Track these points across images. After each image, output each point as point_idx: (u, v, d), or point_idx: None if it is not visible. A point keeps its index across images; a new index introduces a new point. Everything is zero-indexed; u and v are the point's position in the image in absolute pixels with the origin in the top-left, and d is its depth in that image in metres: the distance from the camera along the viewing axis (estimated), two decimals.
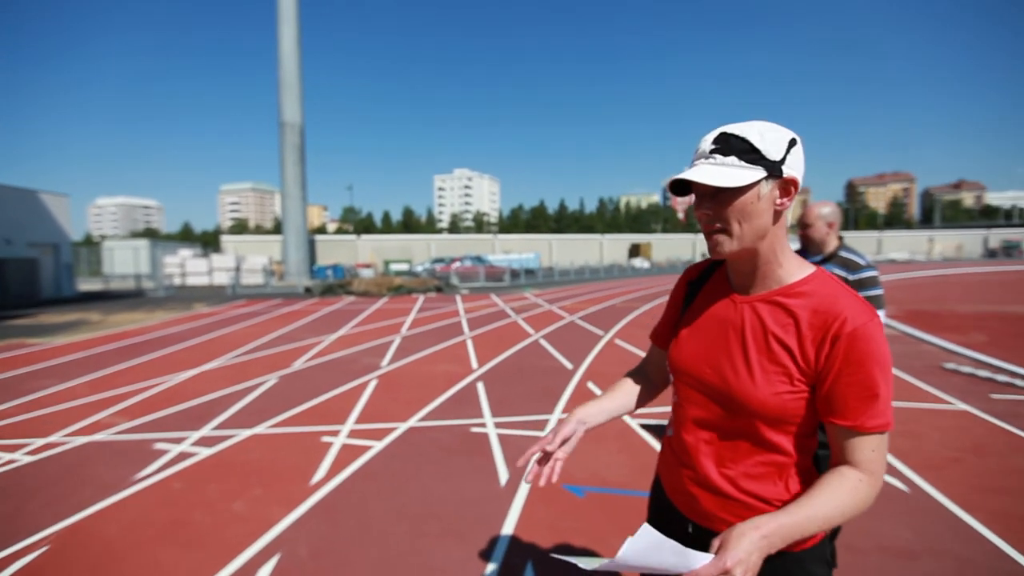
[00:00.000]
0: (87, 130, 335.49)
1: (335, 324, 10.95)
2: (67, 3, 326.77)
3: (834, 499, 0.87)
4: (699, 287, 1.11)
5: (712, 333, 1.01)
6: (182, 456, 3.73)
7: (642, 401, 1.23)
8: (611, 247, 58.35)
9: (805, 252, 2.59)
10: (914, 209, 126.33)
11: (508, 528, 2.69)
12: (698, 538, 1.08)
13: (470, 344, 8.29)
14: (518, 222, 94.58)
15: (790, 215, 0.96)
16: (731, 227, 0.92)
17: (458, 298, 17.15)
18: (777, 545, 0.83)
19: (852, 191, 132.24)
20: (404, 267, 35.56)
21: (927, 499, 2.96)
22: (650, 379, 1.25)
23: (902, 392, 5.11)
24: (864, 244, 61.34)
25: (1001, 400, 4.83)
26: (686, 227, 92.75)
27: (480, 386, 5.61)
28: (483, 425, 4.33)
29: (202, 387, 5.68)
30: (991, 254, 59.02)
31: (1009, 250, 57.37)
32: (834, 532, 1.17)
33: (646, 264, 46.49)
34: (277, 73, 24.68)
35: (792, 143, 0.90)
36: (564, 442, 1.09)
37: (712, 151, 0.91)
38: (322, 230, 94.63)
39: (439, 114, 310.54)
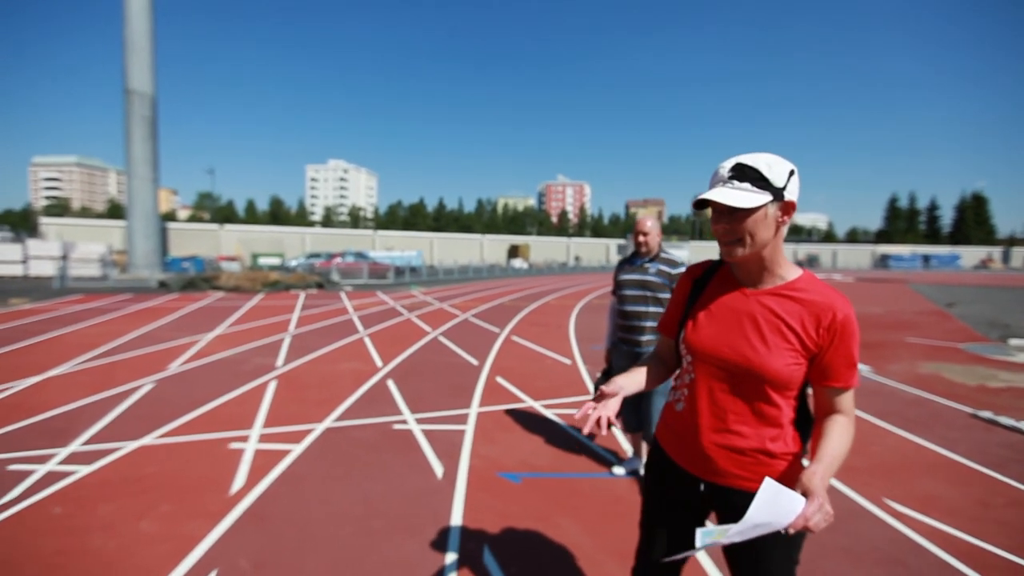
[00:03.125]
0: None
1: (209, 323, 9.85)
2: None
3: (843, 440, 1.18)
4: (704, 284, 1.37)
5: (727, 319, 1.27)
6: (53, 476, 3.17)
7: (661, 379, 1.44)
8: (491, 247, 59.58)
9: (636, 255, 3.19)
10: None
11: (456, 518, 2.76)
12: (710, 495, 1.32)
13: (368, 341, 8.03)
14: (396, 219, 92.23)
15: (786, 230, 1.24)
16: (744, 239, 1.19)
17: (343, 295, 16.36)
18: (827, 484, 1.10)
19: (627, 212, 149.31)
20: (276, 261, 32.85)
21: None
22: (664, 362, 1.47)
23: None
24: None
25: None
26: (559, 231, 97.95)
27: (391, 383, 5.50)
28: (404, 422, 4.29)
29: (53, 397, 4.81)
30: (799, 264, 71.20)
31: (812, 261, 69.52)
32: None
33: (525, 265, 48.20)
34: (122, 32, 21.24)
35: (791, 173, 1.18)
36: (608, 399, 1.25)
37: (730, 177, 1.18)
38: (172, 217, 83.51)
39: (314, 100, 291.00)
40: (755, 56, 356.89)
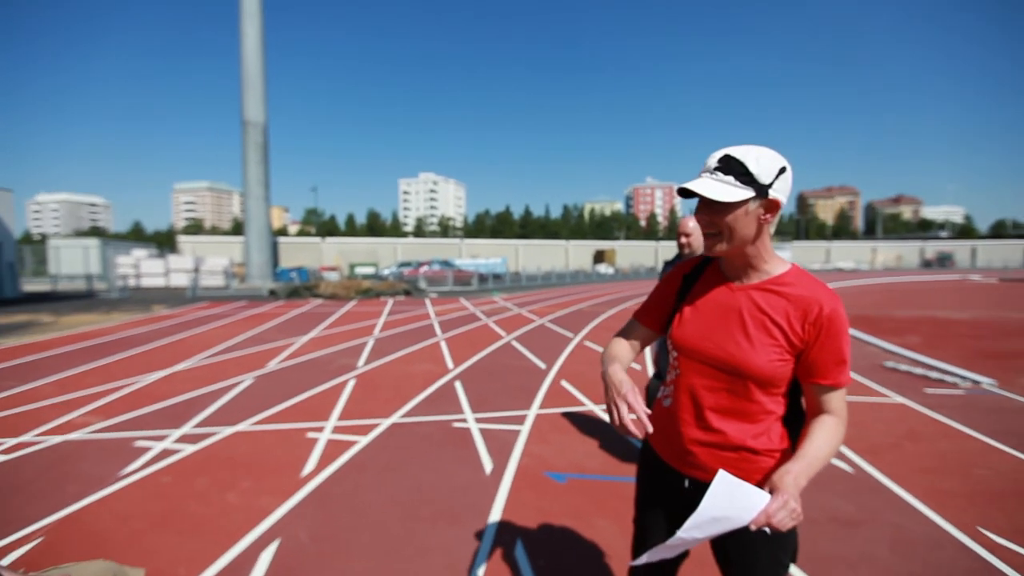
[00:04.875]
0: (24, 123, 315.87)
1: (305, 326, 10.85)
2: None
3: (827, 441, 1.14)
4: (694, 280, 1.35)
5: (714, 315, 1.25)
6: (166, 452, 3.74)
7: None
8: (576, 253, 59.20)
9: (680, 256, 3.09)
10: (859, 221, 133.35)
11: (496, 512, 2.87)
12: (694, 491, 1.30)
13: (444, 345, 8.41)
14: (483, 227, 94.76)
15: (774, 227, 1.21)
16: (723, 233, 1.16)
17: (427, 301, 17.17)
18: (803, 483, 1.07)
19: (803, 203, 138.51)
20: (370, 270, 35.14)
21: (868, 478, 3.31)
22: (633, 348, 1.45)
23: (849, 388, 5.56)
24: (814, 253, 64.43)
25: (933, 394, 5.33)
26: (648, 234, 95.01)
27: (458, 384, 5.76)
28: (464, 420, 4.49)
29: (176, 387, 5.62)
30: (927, 264, 63.10)
31: (943, 261, 61.39)
32: None
33: (611, 270, 47.39)
34: (239, 70, 24.11)
35: (782, 170, 1.13)
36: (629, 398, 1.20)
37: (716, 168, 1.15)
38: (283, 232, 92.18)
39: (404, 117, 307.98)
40: (860, 44, 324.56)
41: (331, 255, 45.72)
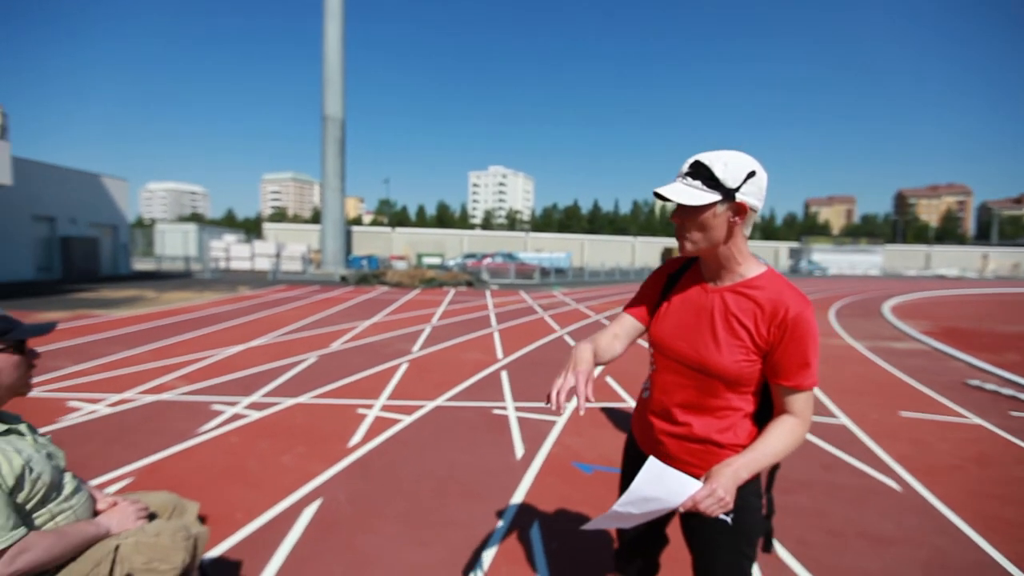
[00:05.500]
0: (138, 118, 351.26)
1: (369, 311, 11.48)
2: None
3: (780, 439, 1.19)
4: (677, 279, 1.40)
5: (688, 315, 1.30)
6: (236, 416, 4.20)
7: (612, 356, 1.43)
8: (644, 250, 57.77)
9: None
10: (970, 224, 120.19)
11: (520, 494, 3.02)
12: None
13: (497, 336, 8.64)
14: (551, 221, 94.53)
15: (749, 229, 1.24)
16: (692, 235, 1.22)
17: (488, 293, 17.53)
18: (744, 476, 1.14)
19: (902, 203, 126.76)
20: (437, 261, 36.20)
21: (917, 498, 3.13)
22: (617, 336, 1.45)
23: (917, 403, 5.19)
24: (910, 258, 58.96)
25: (1019, 417, 4.86)
26: None
27: (504, 374, 5.94)
28: (504, 408, 4.67)
29: (250, 361, 6.21)
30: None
31: None
32: (770, 480, 1.46)
33: None
34: (321, 68, 25.58)
35: (751, 174, 1.16)
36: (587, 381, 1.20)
37: (686, 173, 1.20)
38: (358, 221, 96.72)
39: (476, 111, 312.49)
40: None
41: (400, 245, 47.57)
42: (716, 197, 1.16)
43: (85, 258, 20.68)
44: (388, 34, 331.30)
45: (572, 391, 1.13)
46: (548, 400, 1.11)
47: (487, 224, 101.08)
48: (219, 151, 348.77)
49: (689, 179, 1.19)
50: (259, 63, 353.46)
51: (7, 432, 1.36)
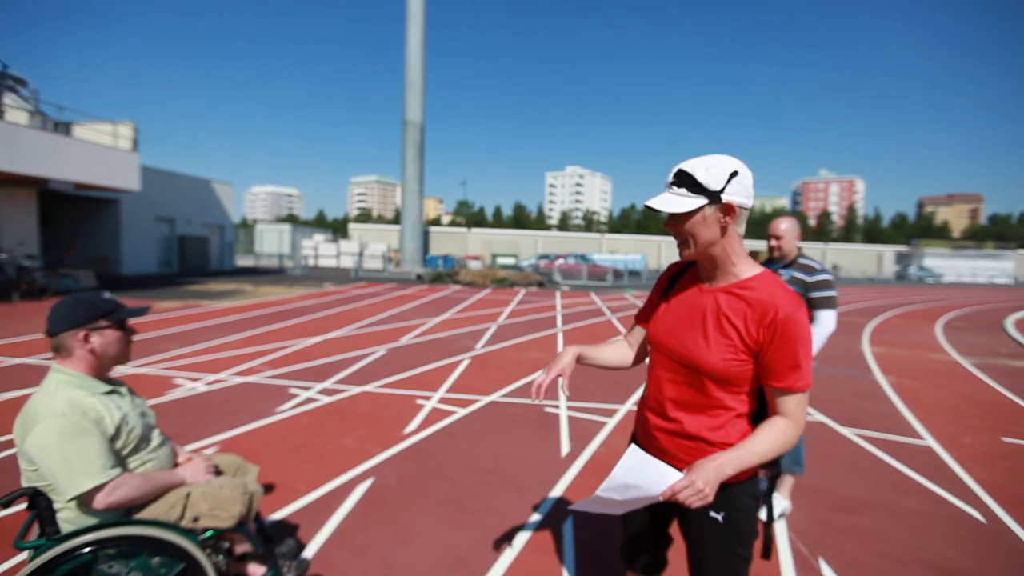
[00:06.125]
0: (244, 127, 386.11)
1: (440, 309, 11.95)
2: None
3: (768, 439, 1.21)
4: (676, 280, 1.44)
5: (683, 314, 1.35)
6: (309, 400, 4.62)
7: (621, 363, 1.57)
8: None
9: (770, 260, 2.86)
10: None
11: (560, 489, 3.09)
12: None
13: (560, 337, 8.70)
14: (629, 222, 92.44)
15: (743, 227, 1.26)
16: (687, 240, 1.26)
17: (558, 294, 17.58)
18: (728, 471, 1.17)
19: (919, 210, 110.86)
20: (510, 261, 36.69)
21: (1005, 533, 2.83)
22: (630, 345, 1.59)
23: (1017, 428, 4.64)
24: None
25: None
26: (818, 234, 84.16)
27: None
28: (557, 407, 4.74)
29: (326, 350, 6.74)
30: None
31: None
32: (771, 487, 1.46)
33: None
34: (403, 74, 26.85)
35: (733, 174, 1.19)
36: (560, 373, 1.41)
37: (671, 183, 1.25)
38: (437, 222, 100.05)
39: (553, 111, 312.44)
40: None
41: (475, 245, 48.69)
42: (702, 201, 1.20)
43: (197, 254, 23.18)
44: (466, 37, 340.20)
45: (552, 385, 1.36)
46: (529, 390, 1.28)
47: (563, 225, 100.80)
48: (313, 156, 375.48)
49: (675, 188, 1.23)
50: (348, 71, 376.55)
51: (111, 392, 1.66)
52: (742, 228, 1.26)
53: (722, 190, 1.19)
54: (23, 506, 1.59)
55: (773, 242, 2.95)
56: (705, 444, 1.29)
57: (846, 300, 18.69)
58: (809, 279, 2.81)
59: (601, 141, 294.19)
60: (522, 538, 2.55)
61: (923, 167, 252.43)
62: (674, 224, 1.26)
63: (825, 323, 2.80)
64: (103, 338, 1.61)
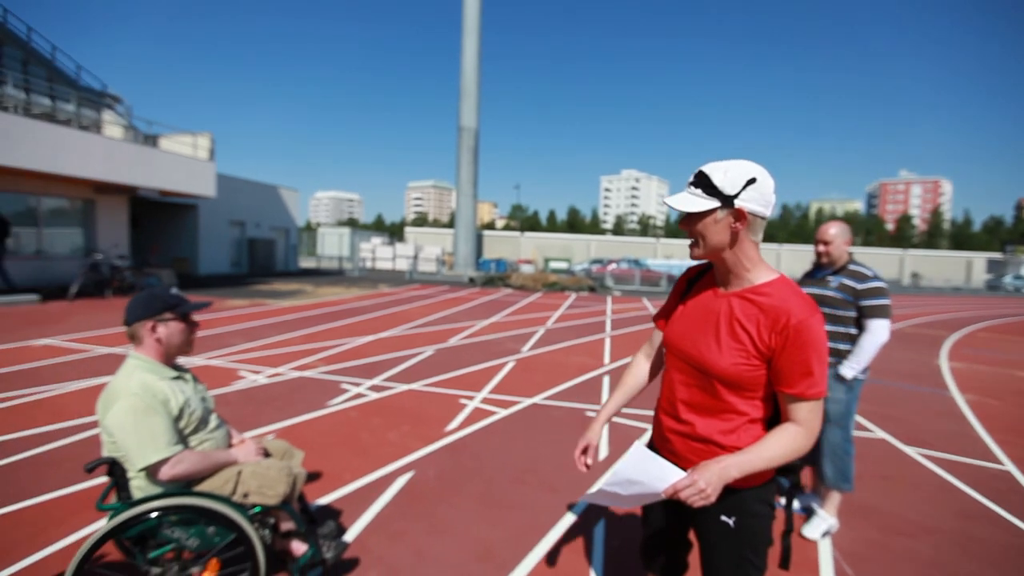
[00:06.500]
0: (312, 133, 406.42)
1: (490, 312, 12.13)
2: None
3: (777, 445, 1.21)
4: (694, 283, 1.45)
5: (698, 318, 1.36)
6: (358, 396, 4.85)
7: (652, 375, 1.61)
8: (790, 259, 52.21)
9: (818, 266, 2.73)
10: None
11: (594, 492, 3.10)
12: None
13: (608, 342, 8.62)
14: None
15: (758, 235, 1.26)
16: (697, 240, 1.28)
17: (609, 299, 17.38)
18: (733, 473, 1.18)
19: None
20: (563, 265, 36.53)
21: None
22: (651, 362, 1.63)
23: None
24: None
25: None
26: (896, 240, 78.38)
27: (607, 379, 5.97)
28: (598, 411, 4.72)
29: (378, 349, 7.03)
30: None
31: None
32: (790, 497, 1.43)
33: None
34: (459, 82, 27.44)
35: (751, 181, 1.20)
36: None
37: (691, 183, 1.27)
38: (491, 226, 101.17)
39: (608, 114, 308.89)
40: None
41: (528, 249, 48.86)
42: (715, 204, 1.21)
43: (265, 256, 24.64)
44: (521, 41, 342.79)
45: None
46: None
47: (618, 229, 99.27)
48: (373, 162, 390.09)
49: (692, 188, 1.25)
50: (406, 80, 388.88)
51: (177, 377, 1.86)
52: (758, 236, 1.26)
53: (736, 195, 1.20)
54: (104, 478, 1.80)
55: (821, 247, 2.84)
56: (716, 447, 1.29)
57: (925, 311, 17.34)
58: (859, 286, 2.69)
59: (659, 144, 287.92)
60: (552, 537, 2.59)
61: (1022, 165, 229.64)
62: (687, 223, 1.28)
63: (876, 333, 2.67)
64: (168, 328, 1.81)
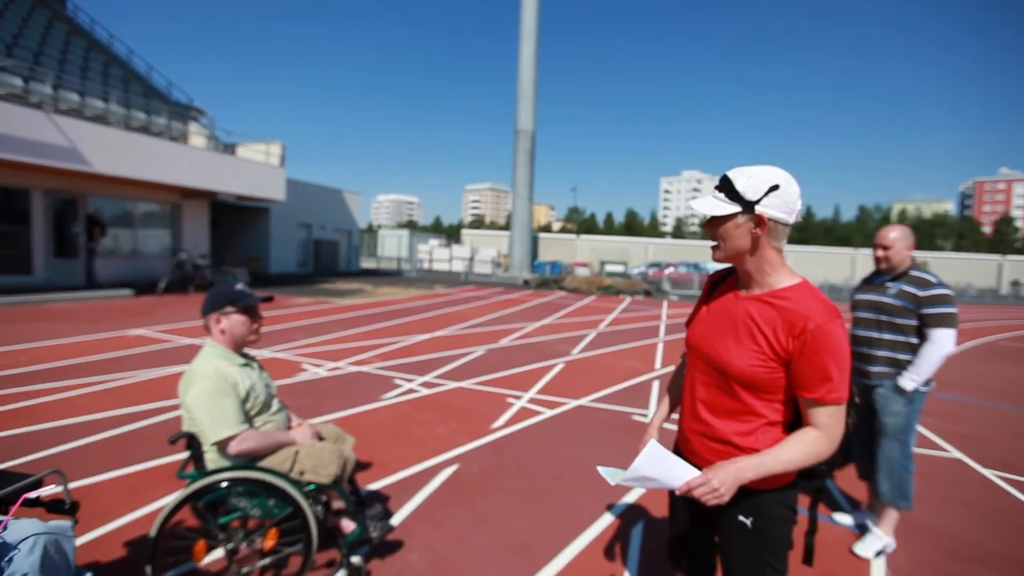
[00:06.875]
0: (372, 139, 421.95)
1: (542, 314, 12.20)
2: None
3: (795, 449, 1.22)
4: (717, 286, 1.48)
5: (718, 319, 1.38)
6: (410, 391, 5.06)
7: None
8: (867, 264, 48.70)
9: (877, 272, 2.59)
10: None
11: (635, 495, 3.11)
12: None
13: (660, 346, 8.48)
14: None
15: (782, 241, 1.27)
16: (718, 243, 1.31)
17: (665, 303, 17.00)
18: (748, 475, 1.20)
19: None
20: (619, 268, 35.98)
21: None
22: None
23: None
24: None
25: None
26: (993, 245, 71.35)
27: (656, 384, 5.90)
28: (645, 416, 4.70)
29: (431, 347, 7.28)
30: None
31: None
32: (814, 500, 1.41)
33: None
34: (516, 85, 27.73)
35: (773, 188, 1.22)
36: None
37: (716, 187, 1.31)
38: (547, 228, 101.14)
39: (666, 114, 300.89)
40: None
41: (584, 252, 48.46)
42: (735, 209, 1.24)
43: (329, 257, 25.90)
44: (574, 43, 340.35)
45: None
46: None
47: (678, 232, 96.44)
48: (432, 165, 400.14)
49: (716, 192, 1.29)
50: (465, 84, 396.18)
51: (245, 364, 2.07)
52: (780, 241, 1.27)
53: (757, 201, 1.22)
54: (184, 453, 2.04)
55: (880, 252, 2.71)
56: (734, 448, 1.31)
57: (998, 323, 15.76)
58: (921, 293, 2.55)
59: (721, 144, 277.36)
60: (588, 535, 2.63)
61: None
62: (710, 226, 1.32)
63: (940, 343, 2.52)
64: (230, 321, 2.04)
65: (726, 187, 1.26)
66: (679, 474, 1.21)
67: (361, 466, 3.25)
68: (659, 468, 1.22)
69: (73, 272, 12.59)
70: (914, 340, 2.60)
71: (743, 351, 1.26)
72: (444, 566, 2.32)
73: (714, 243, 1.32)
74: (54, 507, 1.34)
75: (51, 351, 6.08)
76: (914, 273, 2.62)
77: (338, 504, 2.18)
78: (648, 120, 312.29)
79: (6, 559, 1.11)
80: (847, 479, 3.45)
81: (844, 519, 2.97)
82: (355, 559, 2.10)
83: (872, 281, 2.80)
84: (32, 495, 1.28)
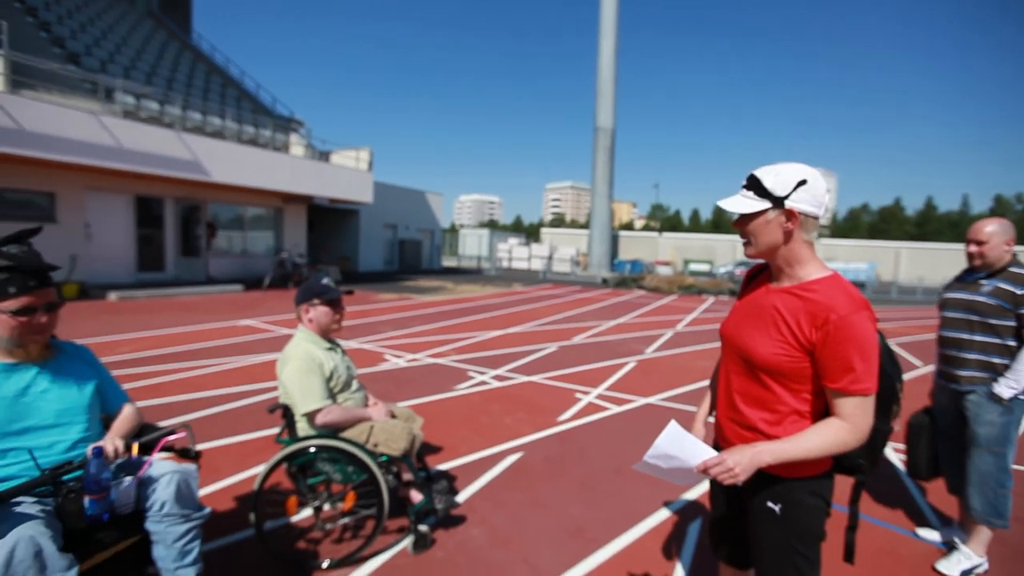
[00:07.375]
0: (454, 138, 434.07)
1: (619, 312, 12.09)
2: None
3: (818, 437, 1.25)
4: (752, 280, 1.52)
5: (749, 311, 1.43)
6: (482, 383, 5.31)
7: None
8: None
9: (970, 269, 2.36)
10: None
11: (696, 492, 3.10)
12: None
13: None
14: (858, 224, 78.17)
15: (812, 234, 1.30)
16: (750, 239, 1.36)
17: None
18: (765, 459, 1.25)
19: None
20: (704, 268, 34.51)
21: None
22: None
23: None
24: None
25: None
26: None
27: None
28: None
29: (505, 343, 7.52)
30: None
31: None
32: (855, 494, 1.39)
33: None
34: (595, 83, 27.45)
35: (801, 183, 1.26)
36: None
37: (744, 185, 1.36)
38: (629, 226, 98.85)
39: (763, 102, 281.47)
40: None
41: (666, 250, 46.88)
42: (766, 205, 1.29)
43: (412, 255, 27.21)
44: (655, 38, 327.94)
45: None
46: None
47: None
48: (514, 164, 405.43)
49: (745, 190, 1.34)
50: (546, 83, 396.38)
51: (330, 349, 2.37)
52: (811, 235, 1.30)
53: (787, 196, 1.26)
54: (278, 427, 2.37)
55: (973, 248, 2.50)
56: (760, 435, 1.35)
57: None
58: (1020, 291, 2.34)
59: (822, 133, 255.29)
60: (644, 526, 2.69)
61: None
62: (741, 224, 1.36)
63: None
64: (316, 311, 2.35)
65: (754, 185, 1.31)
66: (697, 453, 1.28)
67: (432, 448, 3.51)
68: (679, 447, 1.30)
69: (196, 269, 14.35)
70: (1011, 343, 2.39)
71: (767, 340, 1.31)
72: (502, 542, 2.49)
73: (745, 240, 1.37)
74: (184, 453, 1.67)
75: (179, 337, 7.03)
76: (1013, 270, 2.40)
77: (407, 476, 2.42)
78: (739, 111, 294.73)
79: (151, 488, 1.44)
80: (937, 493, 3.20)
81: (930, 535, 2.77)
82: (422, 527, 2.33)
83: (964, 279, 2.60)
84: (170, 439, 1.62)
